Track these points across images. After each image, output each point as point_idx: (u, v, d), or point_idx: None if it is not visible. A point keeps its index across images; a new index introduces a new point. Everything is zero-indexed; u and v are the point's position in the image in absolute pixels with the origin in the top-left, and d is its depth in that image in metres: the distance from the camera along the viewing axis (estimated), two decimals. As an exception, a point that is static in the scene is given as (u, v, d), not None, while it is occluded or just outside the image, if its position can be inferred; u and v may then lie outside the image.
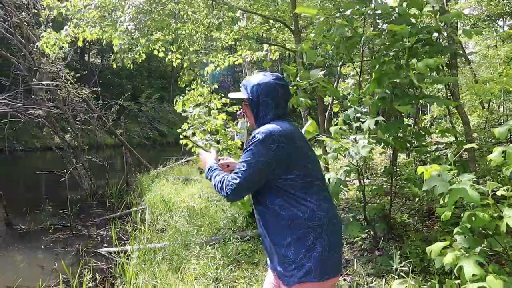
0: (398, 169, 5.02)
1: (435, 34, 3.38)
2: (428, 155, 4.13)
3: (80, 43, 6.50)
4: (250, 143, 1.65)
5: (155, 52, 6.96)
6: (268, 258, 1.81)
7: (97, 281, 3.89)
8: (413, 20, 3.17)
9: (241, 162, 1.64)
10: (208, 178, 1.82)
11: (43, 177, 10.08)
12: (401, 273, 2.93)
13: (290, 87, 2.20)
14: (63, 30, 6.20)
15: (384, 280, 3.00)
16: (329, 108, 6.95)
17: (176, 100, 5.98)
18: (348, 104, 3.51)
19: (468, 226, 2.11)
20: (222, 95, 6.06)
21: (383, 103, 3.33)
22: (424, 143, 3.61)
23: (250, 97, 1.78)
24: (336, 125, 3.45)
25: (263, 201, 1.68)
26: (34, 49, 8.09)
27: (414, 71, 3.02)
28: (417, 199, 4.10)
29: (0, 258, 5.22)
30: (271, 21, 8.75)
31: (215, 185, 1.73)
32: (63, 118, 9.63)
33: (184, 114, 5.61)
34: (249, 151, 1.63)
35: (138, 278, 3.54)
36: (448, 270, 2.57)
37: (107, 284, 3.87)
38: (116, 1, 6.28)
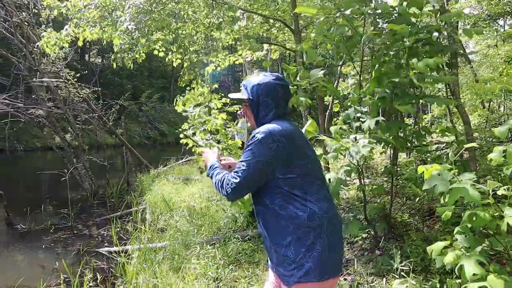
0: (398, 169, 5.02)
1: (436, 34, 3.37)
2: (428, 154, 4.12)
3: (80, 43, 6.50)
4: (250, 142, 1.65)
5: (155, 52, 6.96)
6: (268, 258, 1.81)
7: (98, 281, 3.89)
8: (413, 20, 3.17)
9: (241, 161, 1.65)
10: (210, 176, 1.83)
11: (43, 177, 10.09)
12: (402, 273, 2.93)
13: (290, 86, 2.20)
14: (63, 30, 6.20)
15: (385, 279, 3.00)
16: (329, 107, 6.95)
17: (177, 100, 5.98)
18: (349, 104, 3.51)
19: (469, 225, 2.11)
20: (222, 94, 6.06)
21: (383, 103, 3.33)
22: (425, 143, 3.61)
23: (251, 97, 1.78)
24: (336, 124, 3.45)
25: (263, 201, 1.69)
26: (34, 49, 8.10)
27: (414, 71, 3.02)
28: (417, 199, 4.10)
29: (1, 258, 5.23)
30: (271, 21, 8.74)
31: (215, 183, 1.74)
32: (63, 118, 9.64)
33: (184, 114, 5.61)
34: (249, 151, 1.64)
35: (138, 277, 3.54)
36: (449, 270, 2.57)
37: (108, 283, 3.87)
38: (116, 0, 6.28)
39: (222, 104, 5.76)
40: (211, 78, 7.37)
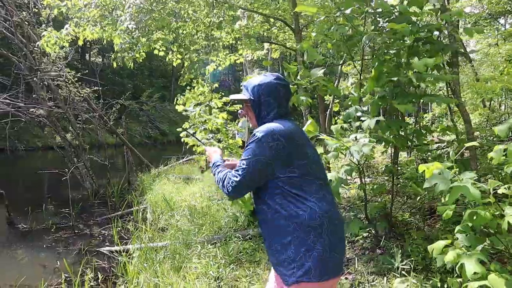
0: (399, 168, 5.02)
1: (436, 33, 3.37)
2: (429, 153, 4.12)
3: (80, 42, 6.51)
4: (251, 141, 1.67)
5: (156, 52, 6.96)
6: (269, 257, 1.81)
7: (99, 280, 3.90)
8: (414, 19, 3.17)
9: (241, 160, 1.67)
10: (213, 173, 1.85)
11: (44, 177, 10.10)
12: (403, 272, 2.93)
13: (291, 86, 2.20)
14: (63, 29, 6.21)
15: (385, 278, 3.00)
16: (329, 107, 6.94)
17: (177, 99, 5.99)
18: (349, 104, 3.51)
19: (470, 224, 2.11)
20: (223, 94, 6.06)
21: (384, 102, 3.33)
22: (425, 142, 3.61)
23: (252, 98, 1.79)
24: (336, 124, 3.45)
25: (264, 200, 1.69)
26: (35, 48, 8.10)
27: (414, 70, 3.02)
28: (418, 198, 4.10)
29: (3, 257, 5.24)
30: (271, 20, 8.74)
31: (217, 181, 1.77)
32: (64, 118, 9.64)
33: (184, 113, 5.62)
34: (249, 149, 1.65)
35: (139, 277, 3.55)
36: (450, 269, 2.57)
37: (109, 283, 3.88)
38: (116, 0, 6.28)
39: (222, 103, 5.77)
40: (211, 78, 7.37)
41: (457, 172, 2.13)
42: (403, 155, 6.97)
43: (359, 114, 3.30)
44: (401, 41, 3.19)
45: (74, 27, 6.19)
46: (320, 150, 4.14)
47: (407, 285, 2.72)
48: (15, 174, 12.08)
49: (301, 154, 1.67)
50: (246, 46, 8.23)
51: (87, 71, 17.38)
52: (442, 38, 3.84)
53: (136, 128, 24.70)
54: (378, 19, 3.31)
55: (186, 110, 5.59)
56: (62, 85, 8.68)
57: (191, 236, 4.44)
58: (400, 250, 3.13)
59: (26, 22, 8.47)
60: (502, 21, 16.25)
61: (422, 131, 3.56)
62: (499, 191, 2.04)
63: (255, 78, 1.82)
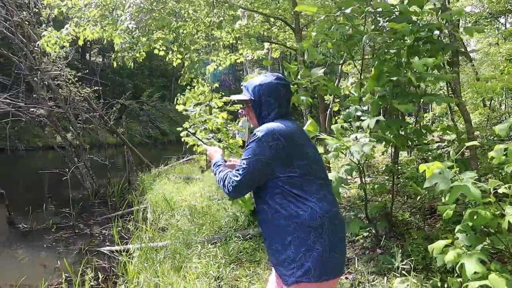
0: (399, 167, 5.02)
1: (437, 32, 3.37)
2: (429, 153, 4.12)
3: (81, 42, 6.51)
4: (251, 140, 1.68)
5: (156, 51, 6.96)
6: (269, 257, 1.81)
7: (100, 280, 3.90)
8: (414, 18, 3.16)
9: (242, 159, 1.67)
10: (213, 173, 1.86)
11: (45, 176, 10.10)
12: (403, 271, 2.93)
13: (291, 85, 2.20)
14: (64, 29, 6.20)
15: (386, 278, 3.00)
16: (330, 106, 6.94)
17: (177, 99, 5.99)
18: (349, 103, 3.51)
19: (470, 224, 2.10)
20: (223, 93, 6.06)
21: (384, 102, 3.32)
22: (426, 141, 3.61)
23: (252, 98, 1.79)
24: (336, 123, 3.45)
25: (264, 200, 1.69)
26: (35, 48, 8.10)
27: (414, 70, 3.02)
28: (418, 197, 4.10)
29: (3, 257, 5.25)
30: (272, 20, 8.74)
31: (218, 181, 1.78)
32: (64, 117, 9.64)
33: (185, 113, 5.62)
34: (250, 149, 1.66)
35: (140, 276, 3.55)
36: (450, 268, 2.56)
37: (109, 282, 3.89)
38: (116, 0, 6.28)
39: (223, 103, 5.77)
40: (212, 77, 7.37)
41: (457, 172, 2.13)
42: (403, 155, 6.97)
43: (359, 113, 3.30)
44: (402, 40, 3.19)
45: (74, 27, 6.19)
46: (320, 149, 4.13)
47: (407, 284, 2.72)
48: (16, 174, 12.08)
49: (301, 155, 1.67)
50: (246, 46, 8.23)
51: (87, 70, 17.36)
52: (442, 38, 3.84)
53: (136, 127, 24.70)
54: (378, 18, 3.31)
55: (186, 110, 5.59)
56: (62, 85, 8.68)
57: (191, 236, 4.44)
58: (400, 250, 3.13)
59: (26, 22, 8.47)
60: (502, 20, 16.23)
61: (423, 130, 3.56)
62: (500, 191, 2.04)
63: (256, 78, 1.82)
